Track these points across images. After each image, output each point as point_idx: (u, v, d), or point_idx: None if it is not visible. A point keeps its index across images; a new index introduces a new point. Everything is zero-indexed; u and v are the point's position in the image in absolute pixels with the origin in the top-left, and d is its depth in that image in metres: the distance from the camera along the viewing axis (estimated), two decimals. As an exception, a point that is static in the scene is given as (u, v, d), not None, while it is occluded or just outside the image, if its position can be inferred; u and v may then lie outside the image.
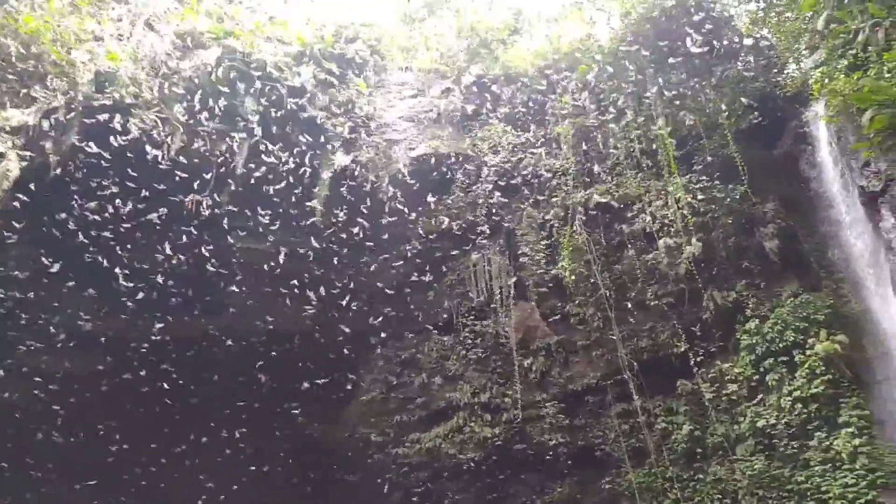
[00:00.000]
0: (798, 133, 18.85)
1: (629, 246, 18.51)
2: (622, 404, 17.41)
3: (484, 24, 22.27)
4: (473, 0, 23.35)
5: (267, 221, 18.18)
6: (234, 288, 18.43)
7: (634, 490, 16.19)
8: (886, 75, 13.29)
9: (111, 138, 15.04)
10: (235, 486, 18.92)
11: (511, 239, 19.58)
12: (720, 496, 15.60)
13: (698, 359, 16.97)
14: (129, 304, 17.54)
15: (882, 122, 13.14)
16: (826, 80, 15.50)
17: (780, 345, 15.94)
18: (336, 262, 19.33)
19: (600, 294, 17.97)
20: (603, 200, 19.15)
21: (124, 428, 18.67)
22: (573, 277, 18.38)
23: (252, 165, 17.49)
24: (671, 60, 19.49)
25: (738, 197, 17.87)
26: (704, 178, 18.39)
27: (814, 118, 18.35)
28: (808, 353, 15.52)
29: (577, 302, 18.41)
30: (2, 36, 13.22)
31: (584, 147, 20.08)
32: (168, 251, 17.15)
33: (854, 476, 13.91)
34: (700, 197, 18.07)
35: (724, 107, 18.56)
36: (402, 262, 19.64)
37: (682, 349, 17.08)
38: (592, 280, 18.22)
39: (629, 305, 18.03)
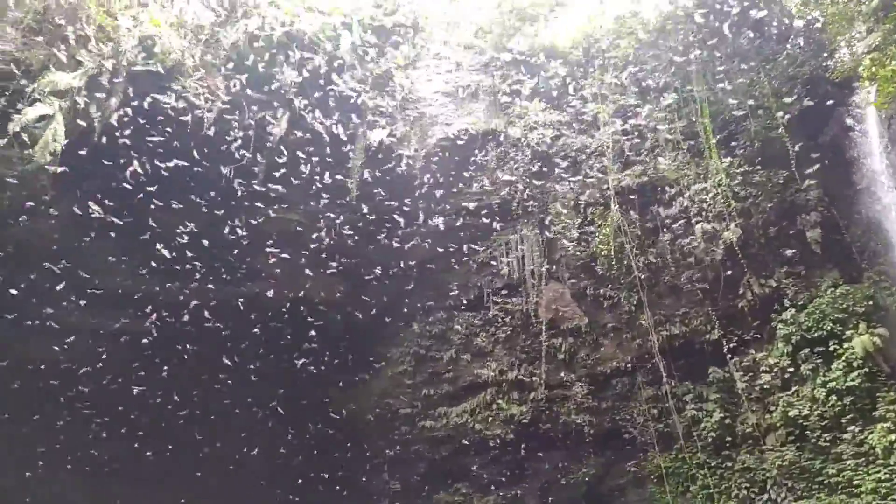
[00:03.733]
0: (846, 119, 18.36)
1: (665, 229, 18.29)
2: (651, 388, 17.36)
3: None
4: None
5: (302, 193, 18.24)
6: (266, 258, 18.61)
7: (662, 474, 16.18)
8: (944, 63, 12.81)
9: (152, 104, 15.17)
10: (257, 450, 19.37)
11: (545, 218, 19.43)
12: (748, 485, 15.57)
13: (731, 346, 16.80)
14: (163, 267, 17.84)
15: (938, 111, 12.72)
16: (878, 66, 15.01)
17: (817, 335, 15.77)
18: (368, 236, 19.37)
19: (633, 277, 17.80)
20: (640, 182, 18.90)
21: (154, 388, 19.15)
22: (606, 259, 18.21)
23: (289, 136, 17.50)
24: (717, 40, 19.00)
25: (780, 182, 17.52)
26: (745, 162, 18.02)
27: (863, 104, 17.85)
28: (845, 345, 15.33)
29: (609, 284, 18.29)
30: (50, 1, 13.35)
31: (623, 127, 19.73)
32: (203, 219, 17.32)
33: (888, 471, 13.79)
34: (740, 181, 17.75)
35: (770, 90, 18.11)
36: (434, 237, 19.62)
37: (716, 336, 16.91)
38: (626, 262, 18.04)
39: (662, 290, 17.90)
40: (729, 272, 17.16)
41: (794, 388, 15.80)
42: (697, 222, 17.76)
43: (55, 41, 13.85)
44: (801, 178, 17.21)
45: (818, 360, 15.57)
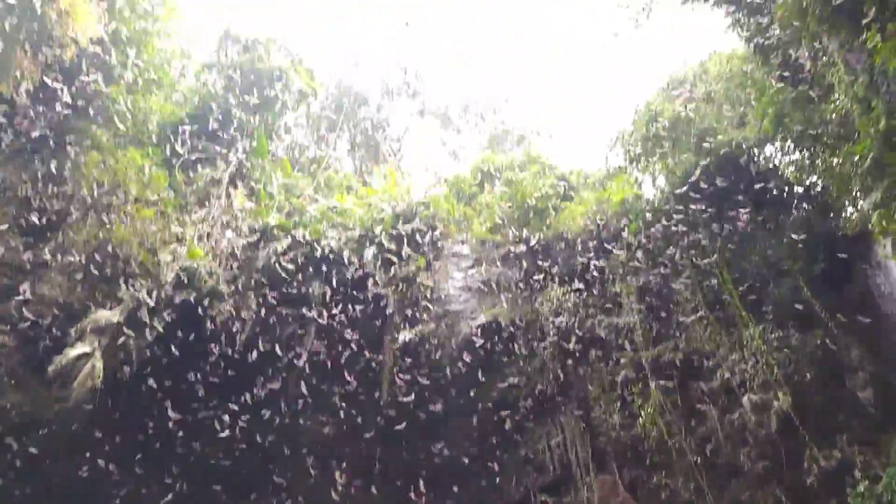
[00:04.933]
0: (870, 273, 18.33)
1: (710, 405, 17.49)
2: (734, 587, 15.47)
3: (533, 191, 23.24)
4: (521, 171, 24.70)
5: (332, 401, 18.12)
6: (298, 469, 18.02)
7: None
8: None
9: (188, 330, 15.72)
10: None
11: (583, 403, 18.80)
12: None
13: (810, 529, 15.23)
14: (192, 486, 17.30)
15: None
16: (887, 221, 15.22)
17: (901, 508, 14.24)
18: (401, 440, 18.79)
19: (687, 460, 16.70)
20: (674, 357, 18.48)
21: None
22: (655, 442, 17.26)
23: (318, 347, 17.80)
24: (721, 214, 19.66)
25: (818, 344, 17.03)
26: (778, 326, 17.70)
27: (883, 257, 17.92)
28: (936, 516, 13.78)
29: (662, 471, 17.12)
30: (96, 245, 14.46)
31: (647, 303, 19.77)
32: (238, 436, 17.10)
33: None
34: (776, 346, 17.31)
35: (785, 253, 18.33)
36: (469, 436, 18.95)
37: (791, 519, 15.41)
38: (676, 444, 17.06)
39: (721, 472, 16.65)
40: (789, 445, 16.07)
41: (893, 573, 13.96)
42: (743, 394, 17.03)
43: (98, 282, 14.78)
44: (838, 338, 16.77)
45: (911, 538, 13.93)
